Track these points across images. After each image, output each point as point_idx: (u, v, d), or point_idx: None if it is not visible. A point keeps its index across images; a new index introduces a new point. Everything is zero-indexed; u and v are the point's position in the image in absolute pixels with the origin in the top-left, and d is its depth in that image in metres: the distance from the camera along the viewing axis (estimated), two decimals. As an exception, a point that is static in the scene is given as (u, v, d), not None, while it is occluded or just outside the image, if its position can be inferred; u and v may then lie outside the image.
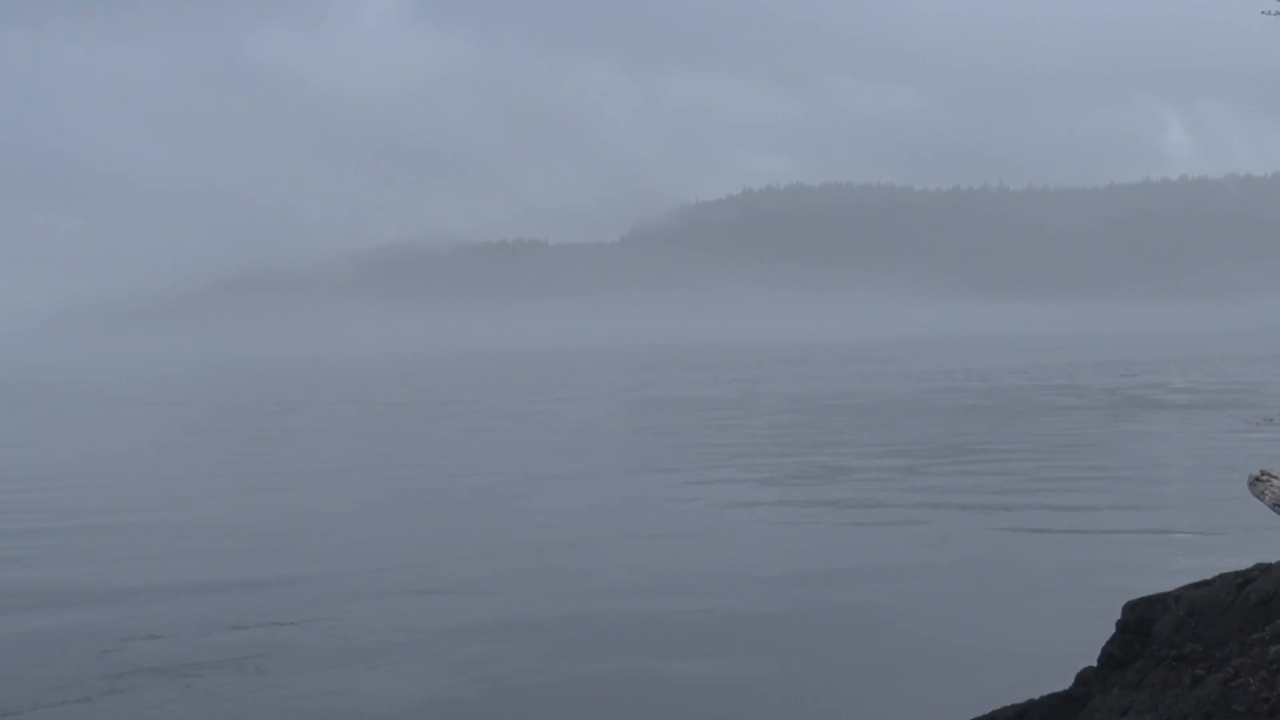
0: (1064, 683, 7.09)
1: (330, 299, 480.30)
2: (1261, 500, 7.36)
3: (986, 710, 7.42)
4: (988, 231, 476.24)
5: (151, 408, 71.72)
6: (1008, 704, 7.32)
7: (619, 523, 22.62)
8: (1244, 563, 7.10)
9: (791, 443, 37.95)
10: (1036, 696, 7.11)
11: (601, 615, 15.26)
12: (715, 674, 12.73)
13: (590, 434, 44.04)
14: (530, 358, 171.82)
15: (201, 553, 20.33)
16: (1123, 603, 7.01)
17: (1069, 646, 10.16)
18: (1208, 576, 6.90)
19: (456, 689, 12.45)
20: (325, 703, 12.11)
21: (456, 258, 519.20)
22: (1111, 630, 6.92)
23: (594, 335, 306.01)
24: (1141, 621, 6.74)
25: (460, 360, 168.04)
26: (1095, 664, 6.91)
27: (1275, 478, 7.30)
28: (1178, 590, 6.89)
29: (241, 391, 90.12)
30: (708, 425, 45.78)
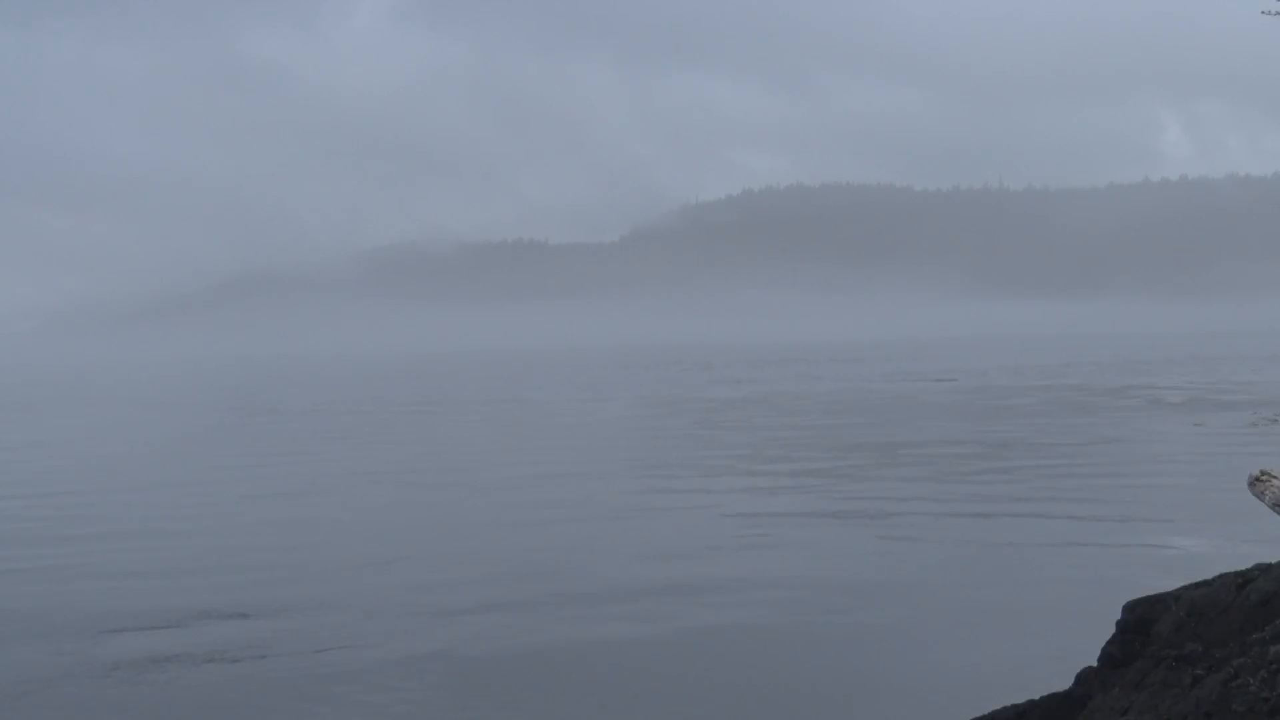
0: (1064, 683, 7.09)
1: (330, 299, 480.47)
2: (1261, 500, 7.35)
3: (986, 710, 7.42)
4: (988, 231, 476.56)
5: (155, 409, 71.71)
6: (1008, 704, 7.32)
7: (624, 529, 22.60)
8: (1244, 563, 7.10)
9: (793, 444, 37.94)
10: (1036, 696, 7.12)
11: (603, 619, 15.26)
12: (716, 676, 12.73)
13: (593, 435, 44.04)
14: (530, 358, 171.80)
15: (201, 554, 20.33)
16: (1123, 603, 7.01)
17: (1069, 646, 10.17)
18: (1208, 576, 6.90)
19: (448, 690, 12.46)
20: (314, 699, 12.12)
21: (456, 258, 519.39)
22: (1111, 630, 6.91)
23: (594, 335, 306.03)
24: (1141, 621, 6.73)
25: (461, 360, 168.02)
26: (1095, 664, 6.91)
27: (1275, 478, 7.29)
28: (1178, 590, 6.88)
29: (243, 393, 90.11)
30: (711, 427, 45.77)
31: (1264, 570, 6.51)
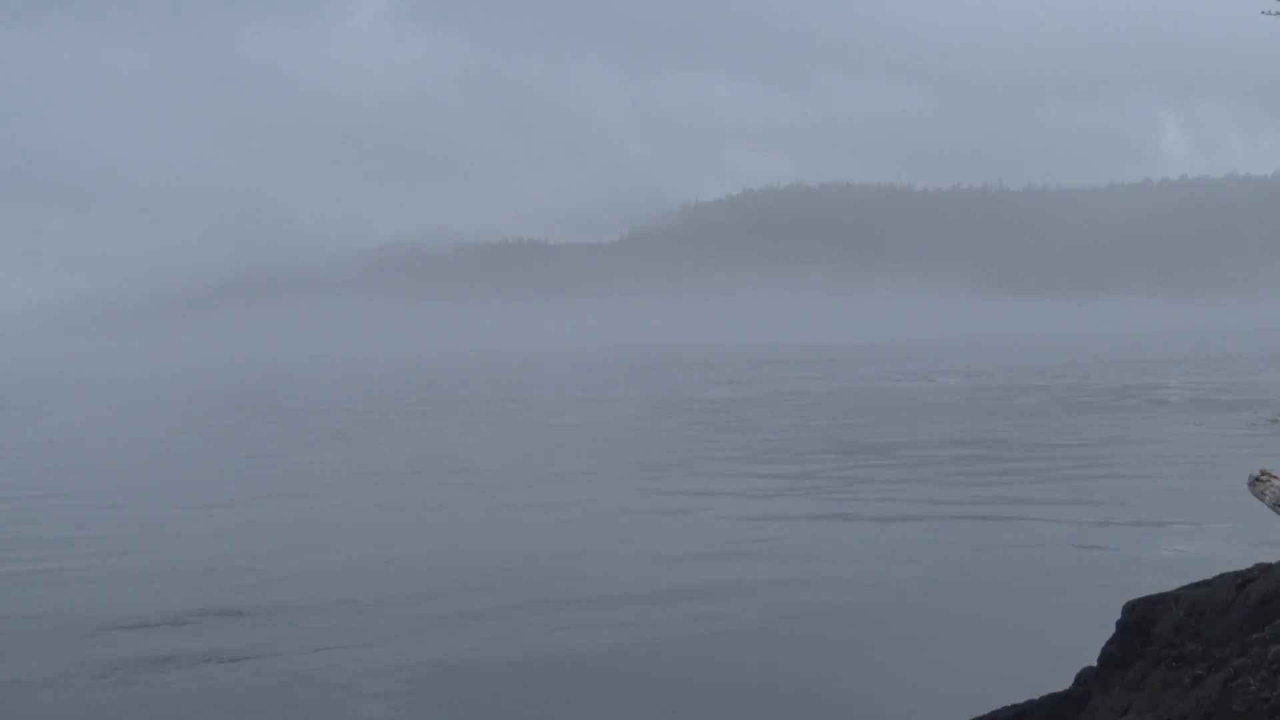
0: (1064, 683, 7.09)
1: (330, 299, 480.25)
2: (1261, 500, 7.35)
3: (986, 710, 7.42)
4: (988, 231, 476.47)
5: (155, 409, 71.69)
6: (1008, 704, 7.32)
7: (625, 531, 22.59)
8: (1244, 563, 7.09)
9: (794, 445, 37.95)
10: (1036, 696, 7.11)
11: (604, 623, 15.26)
12: (718, 679, 12.73)
13: (594, 436, 44.04)
14: (530, 358, 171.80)
15: (201, 554, 20.33)
16: (1123, 603, 7.01)
17: (1069, 646, 10.16)
18: (1208, 576, 6.90)
19: (448, 691, 12.47)
20: (314, 699, 12.12)
21: (456, 258, 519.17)
22: (1111, 630, 6.91)
23: (594, 335, 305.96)
24: (1141, 621, 6.73)
25: (461, 360, 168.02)
26: (1095, 664, 6.91)
27: (1275, 478, 7.29)
28: (1178, 590, 6.88)
29: (243, 393, 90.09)
30: (712, 427, 45.77)
31: (1264, 570, 6.50)
